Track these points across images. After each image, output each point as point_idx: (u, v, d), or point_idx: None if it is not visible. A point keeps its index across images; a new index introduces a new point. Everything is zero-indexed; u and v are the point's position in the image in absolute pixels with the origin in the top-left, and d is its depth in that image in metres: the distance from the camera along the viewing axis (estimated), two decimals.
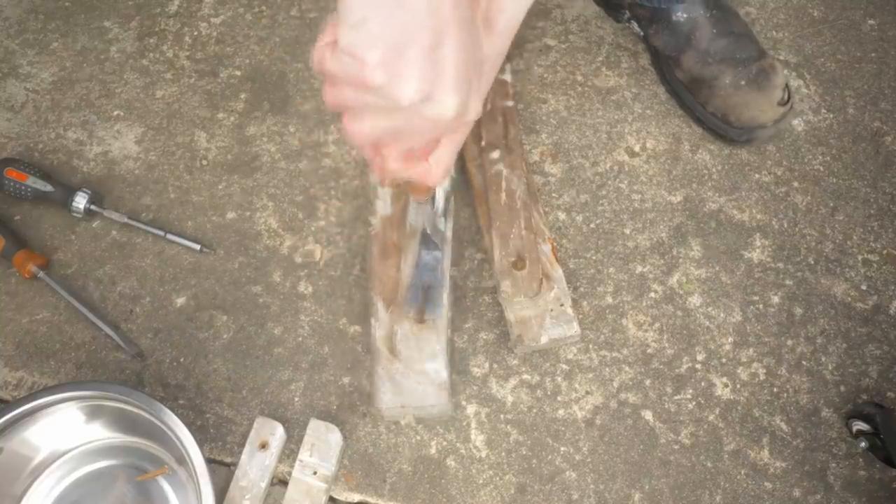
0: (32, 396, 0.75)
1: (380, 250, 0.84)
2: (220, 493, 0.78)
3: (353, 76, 0.46)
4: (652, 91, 1.00)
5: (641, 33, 1.01)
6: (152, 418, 0.73)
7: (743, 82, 0.92)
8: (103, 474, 0.80)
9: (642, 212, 0.93)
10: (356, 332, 0.87)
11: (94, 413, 0.78)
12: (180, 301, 0.89)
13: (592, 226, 0.93)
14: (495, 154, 0.88)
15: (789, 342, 0.87)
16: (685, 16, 0.94)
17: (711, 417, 0.83)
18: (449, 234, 0.84)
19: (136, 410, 0.75)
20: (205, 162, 0.96)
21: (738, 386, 0.85)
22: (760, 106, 0.92)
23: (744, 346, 0.87)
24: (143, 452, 0.80)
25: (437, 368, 0.79)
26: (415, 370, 0.79)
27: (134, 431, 0.79)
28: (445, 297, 0.81)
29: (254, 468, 0.78)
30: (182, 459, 0.74)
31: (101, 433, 0.80)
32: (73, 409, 0.77)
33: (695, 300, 0.89)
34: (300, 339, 0.87)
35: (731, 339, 0.87)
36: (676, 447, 0.82)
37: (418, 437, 0.82)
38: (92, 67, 1.02)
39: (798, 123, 0.98)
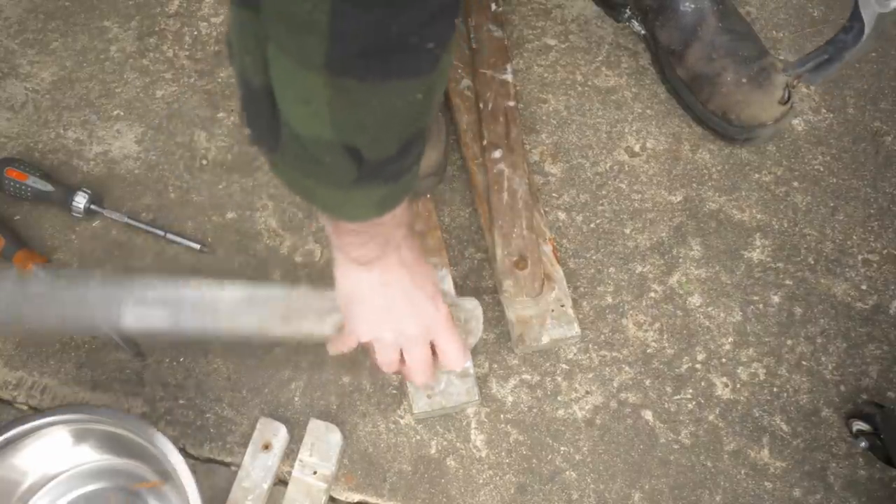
0: (19, 421, 0.74)
1: None
2: (222, 493, 0.78)
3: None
4: (652, 91, 1.00)
5: (643, 31, 1.01)
6: (140, 439, 0.73)
7: (744, 80, 0.92)
8: (95, 497, 0.79)
9: (642, 212, 0.93)
10: None
11: (81, 436, 0.77)
12: None
13: (592, 226, 0.93)
14: (497, 153, 0.88)
15: (789, 342, 0.87)
16: (692, 6, 0.94)
17: (711, 417, 0.83)
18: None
19: (123, 432, 0.74)
20: (205, 162, 0.96)
21: (738, 386, 0.85)
22: (761, 104, 0.92)
23: (744, 345, 0.87)
24: (132, 474, 0.78)
25: (465, 366, 0.81)
26: (443, 371, 0.80)
27: (123, 453, 0.78)
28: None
29: (257, 469, 0.78)
30: (171, 478, 0.73)
31: (90, 455, 0.78)
32: (62, 431, 0.76)
33: (695, 300, 0.89)
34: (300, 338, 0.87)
35: (731, 339, 0.87)
36: (676, 447, 0.82)
37: (418, 437, 0.83)
38: (92, 67, 1.02)
39: (798, 123, 0.98)
